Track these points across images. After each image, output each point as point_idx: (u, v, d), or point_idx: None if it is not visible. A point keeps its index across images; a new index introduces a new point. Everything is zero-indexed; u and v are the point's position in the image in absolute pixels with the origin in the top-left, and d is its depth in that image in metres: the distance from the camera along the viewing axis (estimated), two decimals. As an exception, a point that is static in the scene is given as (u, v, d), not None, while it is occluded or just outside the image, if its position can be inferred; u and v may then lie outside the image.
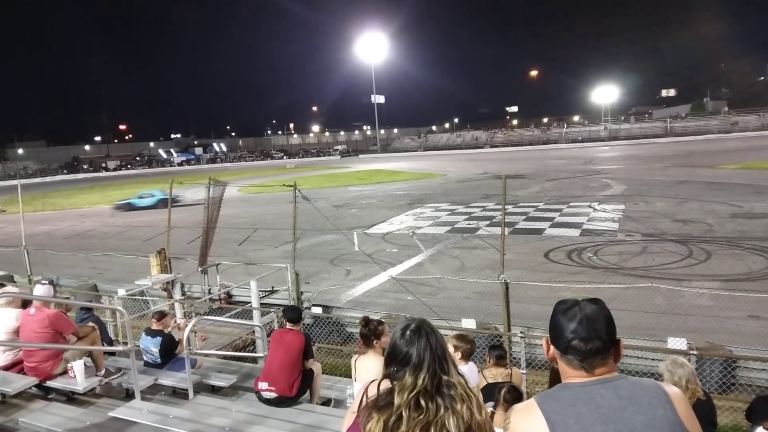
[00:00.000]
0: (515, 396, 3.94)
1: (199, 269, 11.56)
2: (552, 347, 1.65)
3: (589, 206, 24.01)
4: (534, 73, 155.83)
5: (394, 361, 1.87)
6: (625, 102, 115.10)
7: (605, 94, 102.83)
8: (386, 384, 1.88)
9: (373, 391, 1.93)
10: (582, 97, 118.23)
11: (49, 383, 5.10)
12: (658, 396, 1.51)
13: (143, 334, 6.27)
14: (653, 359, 7.18)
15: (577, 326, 1.56)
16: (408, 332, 1.87)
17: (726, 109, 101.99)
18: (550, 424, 1.48)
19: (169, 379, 5.58)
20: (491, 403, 4.11)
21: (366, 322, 4.06)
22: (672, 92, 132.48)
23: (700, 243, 15.53)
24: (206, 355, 7.01)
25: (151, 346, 6.06)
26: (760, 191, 24.81)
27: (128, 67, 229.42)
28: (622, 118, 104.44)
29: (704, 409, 3.77)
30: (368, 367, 3.76)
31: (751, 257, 13.68)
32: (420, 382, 1.78)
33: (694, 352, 6.97)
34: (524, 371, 6.92)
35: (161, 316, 6.39)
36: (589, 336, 1.55)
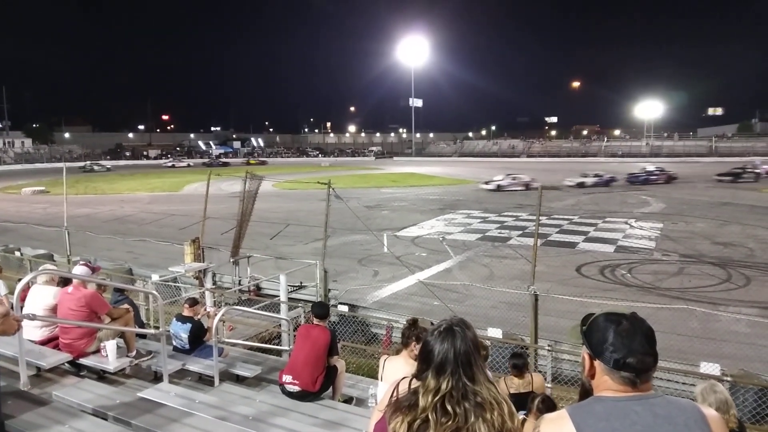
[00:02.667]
0: (549, 405, 3.90)
1: (231, 260, 11.76)
2: (596, 362, 1.59)
3: (626, 222, 23.47)
4: (576, 84, 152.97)
5: (422, 358, 1.85)
6: (669, 118, 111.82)
7: (649, 109, 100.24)
8: (416, 383, 1.86)
9: (404, 387, 1.92)
10: (624, 111, 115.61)
11: (82, 360, 5.25)
12: (695, 417, 1.47)
13: (174, 319, 6.41)
14: (684, 383, 6.97)
15: (633, 342, 1.53)
16: (437, 330, 1.85)
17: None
18: None
19: (196, 365, 5.69)
20: (522, 412, 4.06)
21: (414, 321, 4.05)
22: (719, 111, 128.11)
23: (739, 267, 15.00)
24: (233, 345, 7.12)
25: (181, 332, 6.19)
26: (808, 218, 23.78)
27: (175, 60, 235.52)
28: (665, 134, 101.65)
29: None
30: (397, 369, 3.76)
31: (795, 286, 13.14)
32: (444, 386, 1.75)
33: (728, 379, 6.72)
34: (549, 385, 6.80)
35: (193, 303, 6.52)
36: (646, 351, 1.52)
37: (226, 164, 79.59)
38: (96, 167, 73.03)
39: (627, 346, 1.52)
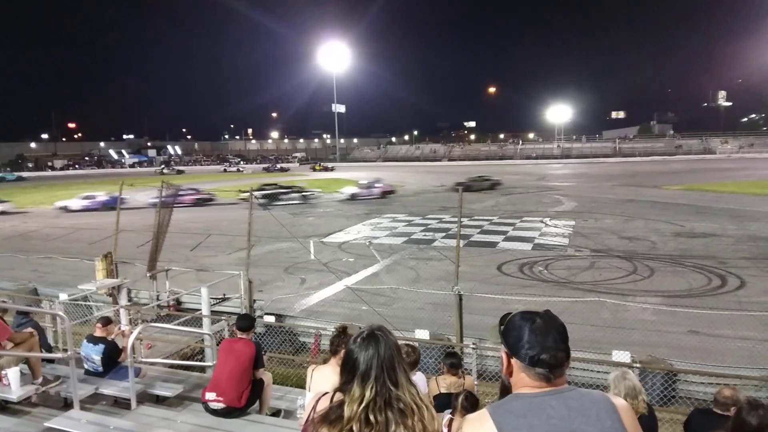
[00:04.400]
0: (473, 402, 3.97)
1: (148, 275, 11.19)
2: (513, 360, 1.64)
3: (541, 221, 24.67)
4: (492, 89, 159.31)
5: (346, 369, 1.84)
6: (577, 122, 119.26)
7: (559, 113, 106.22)
8: (339, 397, 1.85)
9: (323, 404, 1.89)
10: (537, 115, 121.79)
11: (-21, 392, 4.80)
12: (606, 407, 1.55)
13: (85, 340, 5.99)
14: (598, 371, 7.40)
15: (547, 339, 1.58)
16: (359, 339, 1.84)
17: (671, 132, 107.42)
18: None
19: (111, 388, 5.35)
20: (449, 411, 4.13)
21: (343, 329, 4.00)
22: (621, 114, 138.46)
23: (644, 260, 16.18)
24: (152, 364, 6.76)
25: (93, 354, 5.80)
26: (701, 212, 26.12)
27: (81, 65, 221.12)
28: (574, 137, 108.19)
29: (646, 424, 3.88)
30: (324, 379, 3.70)
31: (692, 275, 14.35)
32: (368, 393, 1.74)
33: (638, 365, 7.21)
34: (476, 382, 7.00)
35: (105, 322, 6.13)
36: (558, 347, 1.58)
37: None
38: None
39: (541, 343, 1.57)
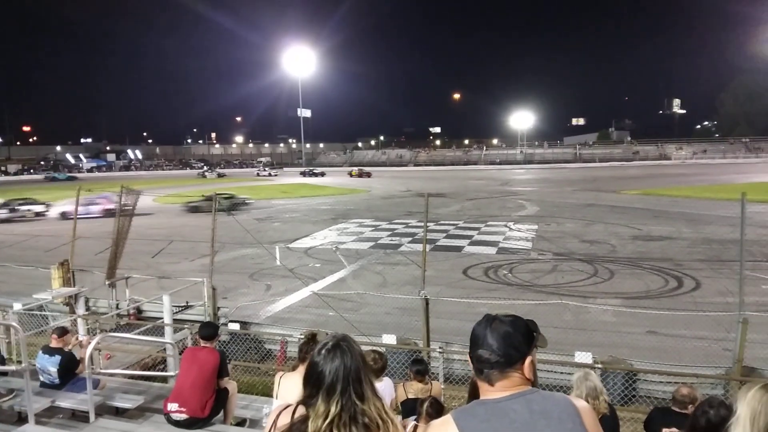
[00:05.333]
0: (437, 409, 3.99)
1: (107, 283, 10.86)
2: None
3: (505, 225, 25.06)
4: (456, 95, 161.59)
5: (310, 382, 1.78)
6: (539, 128, 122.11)
7: (521, 119, 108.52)
8: (301, 411, 1.79)
9: (284, 420, 1.82)
10: (501, 121, 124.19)
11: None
12: (567, 410, 1.58)
13: (40, 352, 5.77)
14: (562, 372, 7.55)
15: (481, 340, 1.63)
16: (324, 350, 1.78)
17: (629, 138, 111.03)
18: None
19: (68, 401, 5.17)
20: (413, 417, 4.13)
21: (312, 336, 3.95)
22: (581, 121, 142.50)
23: (604, 262, 16.63)
24: (111, 375, 6.56)
25: (49, 366, 5.58)
26: (657, 215, 27.04)
27: (37, 65, 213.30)
28: (536, 143, 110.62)
29: (608, 424, 3.97)
30: (293, 386, 3.64)
31: (650, 276, 14.81)
32: (333, 408, 1.69)
33: (599, 366, 7.39)
34: (443, 386, 7.04)
35: (62, 332, 5.91)
36: (491, 348, 1.61)
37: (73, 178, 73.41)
38: None
39: (477, 342, 1.63)
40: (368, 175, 72.61)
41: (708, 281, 13.96)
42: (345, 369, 1.73)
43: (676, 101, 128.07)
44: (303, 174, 78.51)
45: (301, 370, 3.78)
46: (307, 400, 1.77)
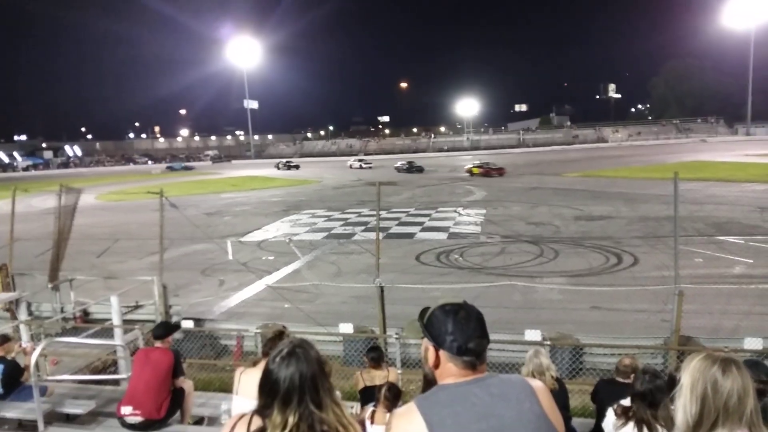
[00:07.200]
0: (395, 393, 4.09)
1: (50, 285, 10.39)
2: (441, 352, 1.69)
3: (455, 211, 25.55)
4: (403, 84, 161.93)
5: (265, 390, 1.74)
6: (484, 114, 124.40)
7: (467, 107, 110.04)
8: (257, 422, 1.73)
9: (240, 430, 1.75)
10: (447, 109, 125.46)
11: None
12: (524, 390, 1.67)
13: (-20, 362, 5.50)
14: (513, 351, 7.83)
15: (470, 328, 1.67)
16: (278, 357, 1.73)
17: (568, 123, 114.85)
18: (428, 425, 1.56)
19: (13, 410, 4.98)
20: (372, 404, 4.22)
21: (280, 333, 3.93)
22: (524, 107, 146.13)
23: (549, 243, 17.26)
24: (59, 381, 6.34)
25: (-9, 376, 5.34)
26: (596, 196, 28.22)
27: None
28: (482, 129, 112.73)
29: (558, 398, 4.18)
30: (253, 382, 3.61)
31: (592, 254, 15.50)
32: (291, 419, 1.65)
33: (548, 343, 7.73)
34: (400, 371, 7.18)
35: (3, 340, 5.66)
36: (481, 335, 1.68)
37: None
38: None
39: (466, 332, 1.66)
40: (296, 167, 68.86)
41: (645, 257, 14.74)
42: (301, 377, 1.69)
43: (612, 86, 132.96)
44: (277, 167, 70.54)
45: (263, 365, 3.76)
46: (263, 410, 1.72)
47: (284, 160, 74.08)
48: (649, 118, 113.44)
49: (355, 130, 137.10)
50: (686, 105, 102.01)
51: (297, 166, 70.22)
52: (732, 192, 26.98)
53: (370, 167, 65.39)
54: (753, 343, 7.30)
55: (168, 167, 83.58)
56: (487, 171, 44.24)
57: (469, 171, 46.26)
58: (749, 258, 14.06)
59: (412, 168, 55.45)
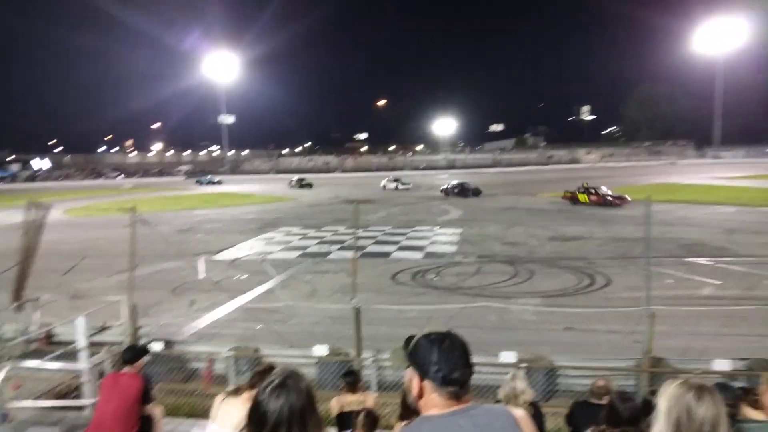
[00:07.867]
0: (372, 420, 4.04)
1: (13, 306, 10.03)
2: (425, 382, 1.67)
3: (431, 230, 25.65)
4: (382, 102, 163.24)
5: (253, 420, 1.73)
6: (462, 133, 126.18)
7: (444, 126, 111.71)
8: None
9: None
10: (425, 127, 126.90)
11: None
12: (508, 420, 1.68)
13: (-65, 388, 5.26)
14: (488, 373, 7.80)
15: (456, 357, 1.67)
16: (269, 388, 1.74)
17: (543, 144, 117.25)
18: None
19: (-30, 439, 4.74)
20: (349, 431, 4.15)
21: (270, 368, 3.82)
22: (500, 127, 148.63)
23: (524, 263, 17.41)
24: (20, 407, 6.08)
25: (-54, 403, 5.10)
26: (569, 217, 28.71)
27: None
28: (458, 149, 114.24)
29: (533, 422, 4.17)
30: (234, 411, 3.45)
31: (566, 275, 15.68)
32: None
33: (524, 365, 7.73)
34: (376, 394, 7.09)
35: (-40, 365, 5.42)
36: (465, 364, 1.67)
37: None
38: None
39: (450, 362, 1.65)
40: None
41: (618, 278, 14.97)
42: (290, 409, 1.70)
43: (585, 108, 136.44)
44: (289, 184, 63.83)
45: (246, 397, 3.62)
46: None
47: (296, 177, 66.11)
48: (622, 139, 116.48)
49: (333, 147, 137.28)
50: (656, 128, 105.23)
51: (310, 185, 61.41)
52: (701, 214, 27.73)
53: (407, 189, 54.28)
54: (722, 365, 7.44)
55: (197, 181, 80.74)
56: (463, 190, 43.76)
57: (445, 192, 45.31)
58: (717, 279, 14.39)
59: (466, 191, 43.34)
